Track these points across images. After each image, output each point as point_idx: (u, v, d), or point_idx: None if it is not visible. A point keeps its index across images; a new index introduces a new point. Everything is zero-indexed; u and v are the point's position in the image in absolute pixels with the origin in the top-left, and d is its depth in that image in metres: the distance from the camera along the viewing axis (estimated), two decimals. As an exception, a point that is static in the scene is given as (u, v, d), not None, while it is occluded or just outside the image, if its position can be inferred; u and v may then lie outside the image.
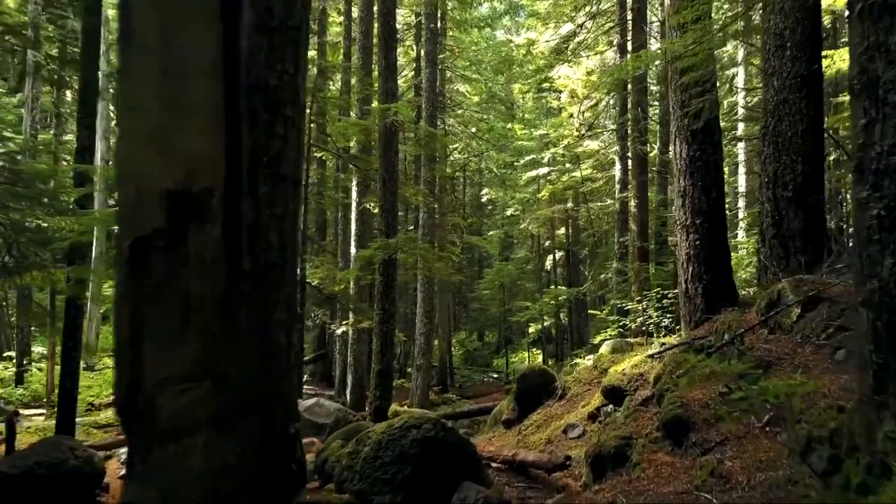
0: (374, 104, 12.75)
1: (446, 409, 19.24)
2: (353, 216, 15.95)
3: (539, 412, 8.57)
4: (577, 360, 16.06)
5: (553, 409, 8.39)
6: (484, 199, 36.01)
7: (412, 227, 22.90)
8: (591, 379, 8.62)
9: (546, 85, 22.45)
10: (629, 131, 17.32)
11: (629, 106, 17.79)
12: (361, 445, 4.90)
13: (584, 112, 19.75)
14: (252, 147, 4.90)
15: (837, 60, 11.98)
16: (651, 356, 7.11)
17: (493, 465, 6.08)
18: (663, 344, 7.44)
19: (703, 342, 6.64)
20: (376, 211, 15.52)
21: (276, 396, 4.94)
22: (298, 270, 14.23)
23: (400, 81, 25.73)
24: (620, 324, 15.40)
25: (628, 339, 14.27)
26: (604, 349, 14.18)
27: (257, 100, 4.75)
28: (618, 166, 18.30)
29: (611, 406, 6.80)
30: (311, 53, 24.22)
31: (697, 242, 7.38)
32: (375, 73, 15.30)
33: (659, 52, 6.98)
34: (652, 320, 14.01)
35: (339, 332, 15.55)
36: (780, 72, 8.07)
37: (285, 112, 4.83)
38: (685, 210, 7.51)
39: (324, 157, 16.80)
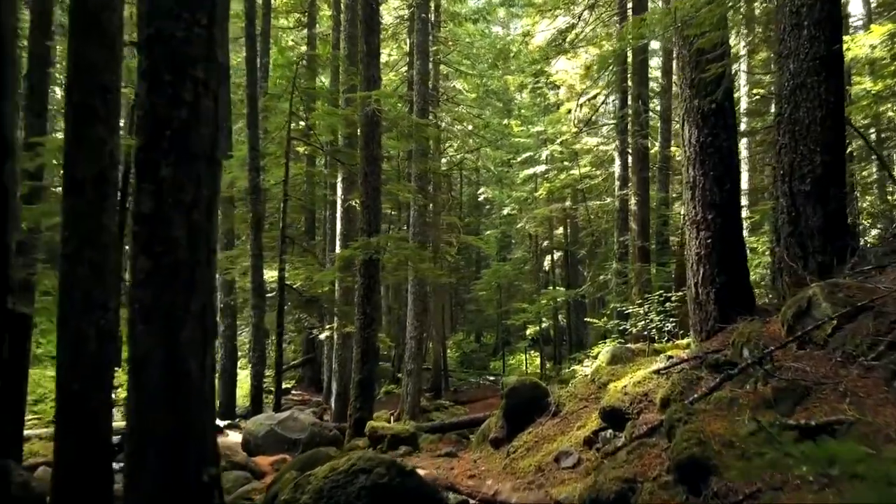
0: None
1: (438, 417, 18.25)
2: (339, 214, 14.94)
3: (530, 431, 7.57)
4: (575, 368, 15.07)
5: (545, 429, 7.39)
6: (481, 199, 35.00)
7: (405, 227, 21.94)
8: (587, 394, 7.61)
9: (543, 80, 21.50)
10: (629, 125, 16.32)
11: (629, 99, 16.80)
12: (299, 493, 3.89)
13: (582, 105, 18.74)
14: (151, 116, 3.78)
15: (853, 46, 10.99)
16: (657, 372, 6.11)
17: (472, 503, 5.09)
18: (670, 357, 6.44)
19: (717, 357, 5.63)
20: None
21: (185, 435, 3.90)
22: (276, 273, 13.25)
23: (392, 75, 24.78)
24: (620, 328, 14.41)
25: (629, 346, 13.25)
26: (602, 356, 13.16)
27: (159, 55, 3.65)
28: (617, 162, 17.30)
29: (610, 431, 5.80)
30: (302, 49, 23.33)
31: (709, 241, 6.39)
32: (362, 63, 14.32)
33: (665, 13, 5.96)
34: (654, 325, 13.03)
35: (322, 336, 14.56)
36: (797, 53, 7.08)
37: (195, 73, 3.72)
38: (695, 204, 6.51)
39: (307, 153, 15.80)
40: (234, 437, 13.35)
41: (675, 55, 6.94)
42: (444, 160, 27.71)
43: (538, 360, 29.19)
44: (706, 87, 6.47)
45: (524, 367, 29.17)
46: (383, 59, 25.06)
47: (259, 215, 12.20)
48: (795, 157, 6.79)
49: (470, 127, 25.83)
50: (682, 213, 16.86)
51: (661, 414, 5.31)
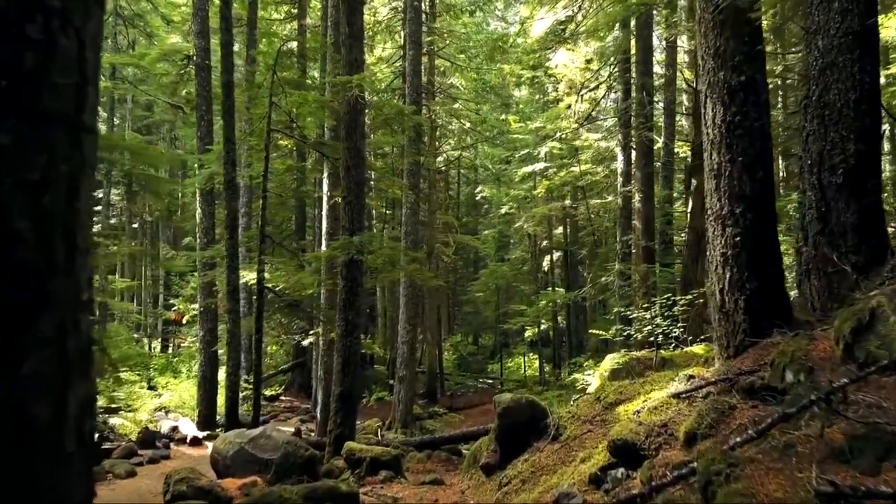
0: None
1: (432, 425, 17.18)
2: (324, 212, 13.88)
3: (525, 458, 6.51)
4: (576, 377, 14.01)
5: (544, 456, 6.33)
6: (479, 198, 33.95)
7: (399, 226, 20.88)
8: (592, 415, 6.55)
9: (542, 71, 20.43)
10: (633, 118, 15.27)
11: (633, 91, 15.74)
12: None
13: (583, 95, 17.66)
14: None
15: (885, 23, 9.97)
16: (677, 396, 5.05)
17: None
18: (691, 377, 5.37)
19: (752, 380, 4.58)
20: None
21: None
22: (256, 274, 12.19)
23: (386, 69, 23.72)
24: (625, 333, 13.34)
25: (634, 354, 12.20)
26: (605, 365, 12.12)
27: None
28: (620, 157, 16.23)
29: (621, 470, 4.73)
30: (292, 44, 22.26)
31: (738, 239, 5.32)
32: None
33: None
34: (660, 330, 11.96)
35: (305, 343, 13.50)
36: (827, 29, 6.02)
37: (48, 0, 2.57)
38: (720, 195, 5.45)
39: (291, 146, 14.75)
40: (210, 451, 12.30)
41: (696, 18, 5.87)
42: (440, 159, 26.67)
43: (537, 363, 28.18)
44: (733, 57, 5.41)
45: (523, 371, 28.12)
46: (377, 52, 24.03)
47: (234, 212, 11.14)
48: (825, 146, 5.74)
49: (467, 125, 24.78)
50: (687, 210, 15.86)
51: (685, 452, 4.25)
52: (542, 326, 26.66)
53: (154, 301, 28.39)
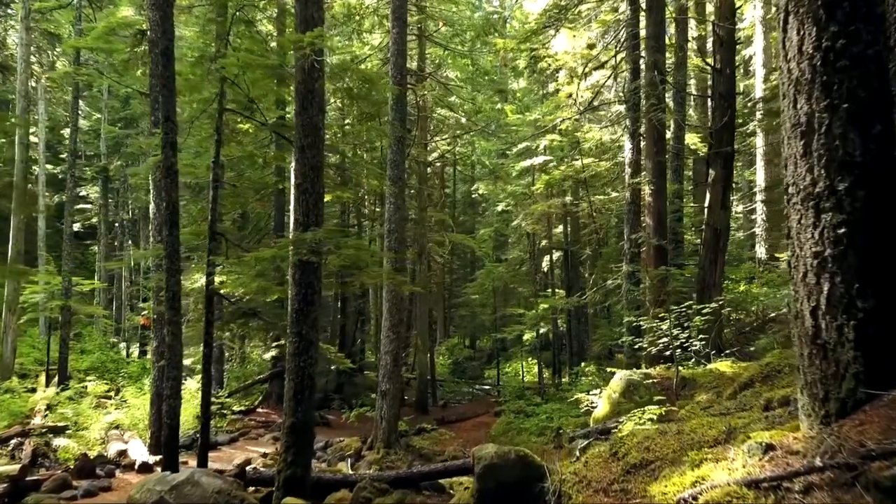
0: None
1: (419, 444, 15.16)
2: (292, 206, 11.84)
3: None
4: (580, 396, 11.97)
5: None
6: (476, 196, 31.94)
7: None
8: (608, 481, 4.53)
9: (540, 53, 18.41)
10: (642, 101, 13.26)
11: (642, 70, 13.72)
12: None
13: (587, 74, 15.65)
14: None
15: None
16: (755, 485, 3.04)
17: None
18: (770, 449, 3.35)
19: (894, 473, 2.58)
20: (328, 197, 11.49)
21: None
22: (203, 277, 10.19)
23: (375, 56, 21.68)
24: (636, 346, 11.33)
25: (647, 372, 10.19)
26: (615, 384, 10.12)
27: None
28: (628, 146, 14.19)
29: None
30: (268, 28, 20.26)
31: (842, 231, 3.32)
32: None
33: None
34: (679, 343, 9.96)
35: (267, 357, 11.49)
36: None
37: None
38: (811, 163, 3.45)
39: (253, 131, 12.74)
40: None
41: None
42: (434, 154, 24.66)
43: (536, 369, 26.17)
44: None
45: (521, 377, 26.08)
46: (364, 38, 22.02)
47: (174, 204, 9.14)
48: None
49: (463, 119, 22.73)
50: (704, 205, 13.70)
51: None
52: (542, 330, 24.66)
53: (132, 305, 26.42)
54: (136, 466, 11.91)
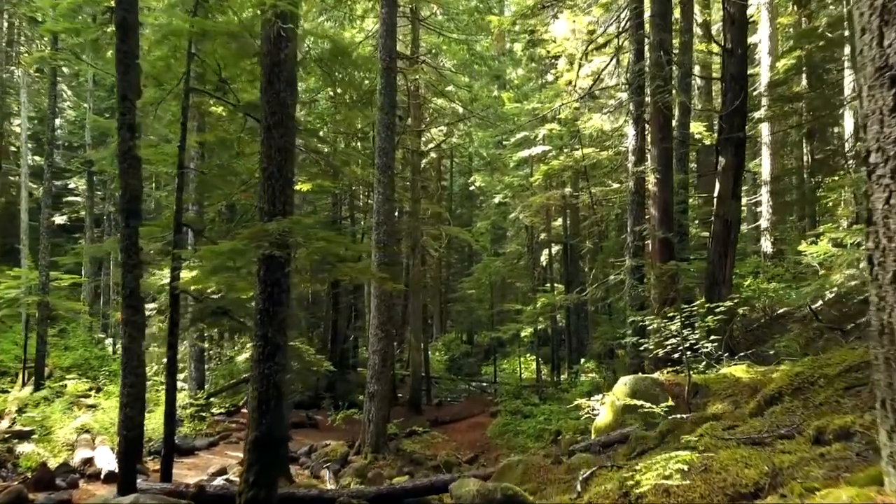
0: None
1: (410, 447, 14.19)
2: (258, 193, 10.84)
3: None
4: (580, 402, 10.96)
5: None
6: (473, 189, 30.89)
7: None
8: (618, 534, 3.56)
9: (537, 41, 17.38)
10: (647, 83, 12.24)
11: (647, 51, 12.69)
12: None
13: (588, 55, 14.61)
14: None
15: None
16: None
17: None
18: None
19: None
20: (306, 186, 10.51)
21: None
22: (168, 272, 9.17)
23: (371, 45, 20.60)
24: (640, 347, 10.34)
25: (656, 378, 9.19)
26: (619, 389, 9.13)
27: None
28: (631, 132, 13.16)
29: None
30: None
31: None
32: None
33: None
34: (690, 344, 8.96)
35: (240, 359, 10.51)
36: None
37: None
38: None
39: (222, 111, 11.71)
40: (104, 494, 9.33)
41: None
42: (430, 145, 23.61)
43: (534, 365, 25.21)
44: None
45: (518, 373, 25.09)
46: (357, 25, 20.95)
47: (133, 192, 8.15)
48: None
49: (459, 108, 21.66)
50: (714, 195, 12.67)
51: None
52: (540, 326, 23.67)
53: (117, 300, 25.40)
54: (101, 476, 10.93)
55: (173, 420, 9.01)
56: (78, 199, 29.23)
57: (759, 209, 20.61)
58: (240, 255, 6.64)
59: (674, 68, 12.63)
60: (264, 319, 6.93)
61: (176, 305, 8.93)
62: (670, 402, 8.38)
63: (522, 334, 25.63)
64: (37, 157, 27.42)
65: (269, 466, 6.94)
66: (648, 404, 8.34)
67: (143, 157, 11.06)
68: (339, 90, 11.51)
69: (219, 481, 10.19)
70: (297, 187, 10.54)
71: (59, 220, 27.50)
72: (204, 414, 15.25)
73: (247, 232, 6.53)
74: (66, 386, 17.35)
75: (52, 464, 11.45)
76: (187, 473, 11.98)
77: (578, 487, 4.45)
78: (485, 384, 24.98)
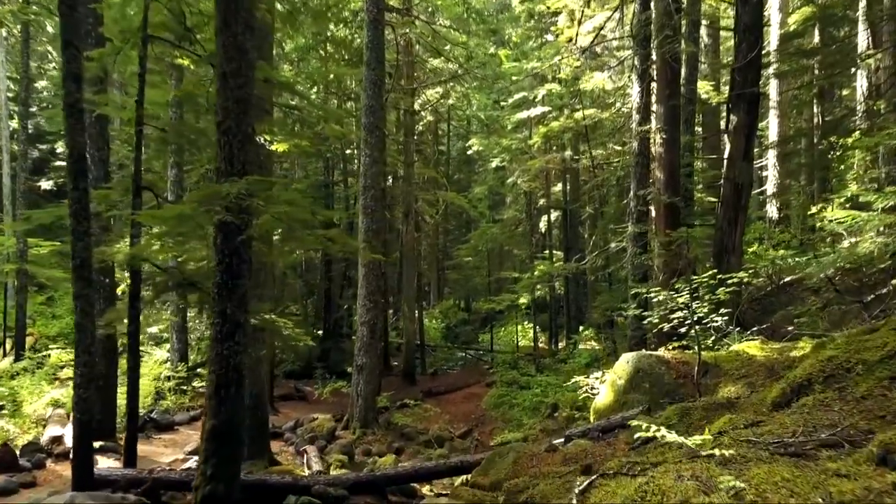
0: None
1: (401, 420, 13.51)
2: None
3: None
4: (579, 379, 10.20)
5: None
6: (471, 153, 29.81)
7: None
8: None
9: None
10: (653, 34, 11.18)
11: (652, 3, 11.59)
12: None
13: (589, 4, 13.52)
14: None
15: None
16: None
17: None
18: None
19: None
20: (283, 147, 9.56)
21: None
22: (127, 240, 8.30)
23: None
24: (643, 320, 9.51)
25: (661, 356, 8.36)
26: (620, 368, 8.33)
27: None
28: (636, 89, 12.12)
29: None
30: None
31: None
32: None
33: None
34: (696, 317, 8.12)
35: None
36: None
37: None
38: None
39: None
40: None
41: None
42: (427, 108, 22.51)
43: (531, 333, 24.49)
44: None
45: (515, 341, 24.39)
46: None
47: (79, 150, 7.23)
48: None
49: (457, 69, 20.51)
50: (723, 157, 11.66)
51: None
52: (539, 293, 22.88)
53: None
54: (71, 455, 10.21)
55: (136, 399, 8.23)
56: (64, 163, 28.20)
57: (764, 173, 19.63)
58: (189, 220, 5.76)
59: (685, 12, 11.55)
60: (223, 293, 6.08)
61: (137, 275, 8.08)
62: (678, 385, 7.61)
63: (520, 301, 24.88)
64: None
65: (230, 458, 6.16)
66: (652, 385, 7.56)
67: (105, 115, 10.09)
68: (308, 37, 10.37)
69: (192, 462, 9.49)
70: (273, 147, 9.61)
71: (46, 185, 26.52)
72: (185, 387, 14.53)
73: (195, 194, 5.63)
74: (49, 356, 16.62)
75: (20, 442, 10.74)
76: (163, 451, 11.29)
77: (574, 500, 3.64)
78: (481, 353, 24.32)
